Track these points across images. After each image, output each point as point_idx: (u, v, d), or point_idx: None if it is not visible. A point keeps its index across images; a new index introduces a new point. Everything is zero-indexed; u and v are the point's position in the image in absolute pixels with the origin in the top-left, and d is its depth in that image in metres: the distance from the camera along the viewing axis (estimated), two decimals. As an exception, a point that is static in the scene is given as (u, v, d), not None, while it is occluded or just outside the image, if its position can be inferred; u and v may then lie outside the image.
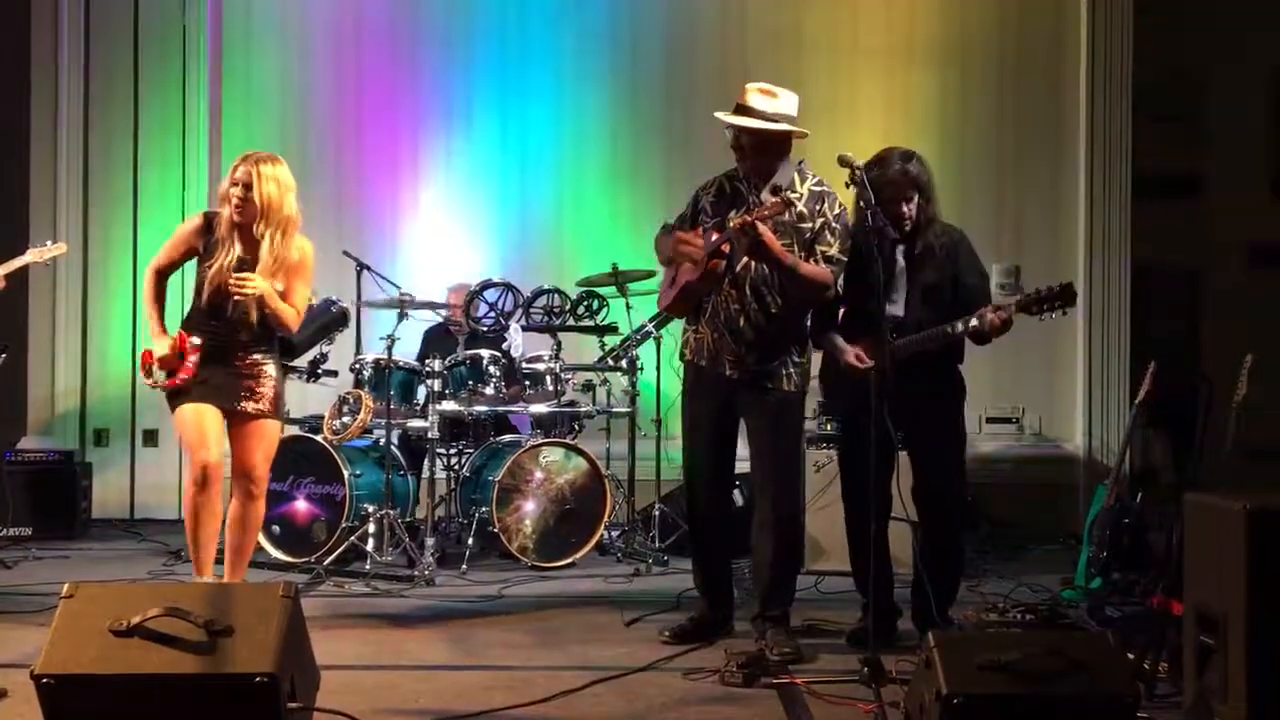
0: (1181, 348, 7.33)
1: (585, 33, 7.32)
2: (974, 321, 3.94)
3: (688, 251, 4.03)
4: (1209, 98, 7.45)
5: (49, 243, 5.33)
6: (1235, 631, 2.93)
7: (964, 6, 7.33)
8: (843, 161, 3.73)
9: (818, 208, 4.02)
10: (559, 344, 5.92)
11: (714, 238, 4.00)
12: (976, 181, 7.20)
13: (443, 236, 7.28)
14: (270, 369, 4.29)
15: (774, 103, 4.02)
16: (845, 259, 4.03)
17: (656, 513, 5.94)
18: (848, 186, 3.82)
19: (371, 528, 5.40)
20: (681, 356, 4.29)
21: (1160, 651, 3.51)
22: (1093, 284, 7.15)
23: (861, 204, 3.77)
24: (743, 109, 4.02)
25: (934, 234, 4.07)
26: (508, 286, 5.89)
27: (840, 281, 4.08)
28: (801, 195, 4.01)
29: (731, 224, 3.93)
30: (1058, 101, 7.31)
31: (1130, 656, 3.41)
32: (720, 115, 4.06)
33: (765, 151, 4.03)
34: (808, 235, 4.00)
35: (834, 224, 4.01)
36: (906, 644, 3.94)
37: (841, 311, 4.20)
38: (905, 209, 4.00)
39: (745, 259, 3.99)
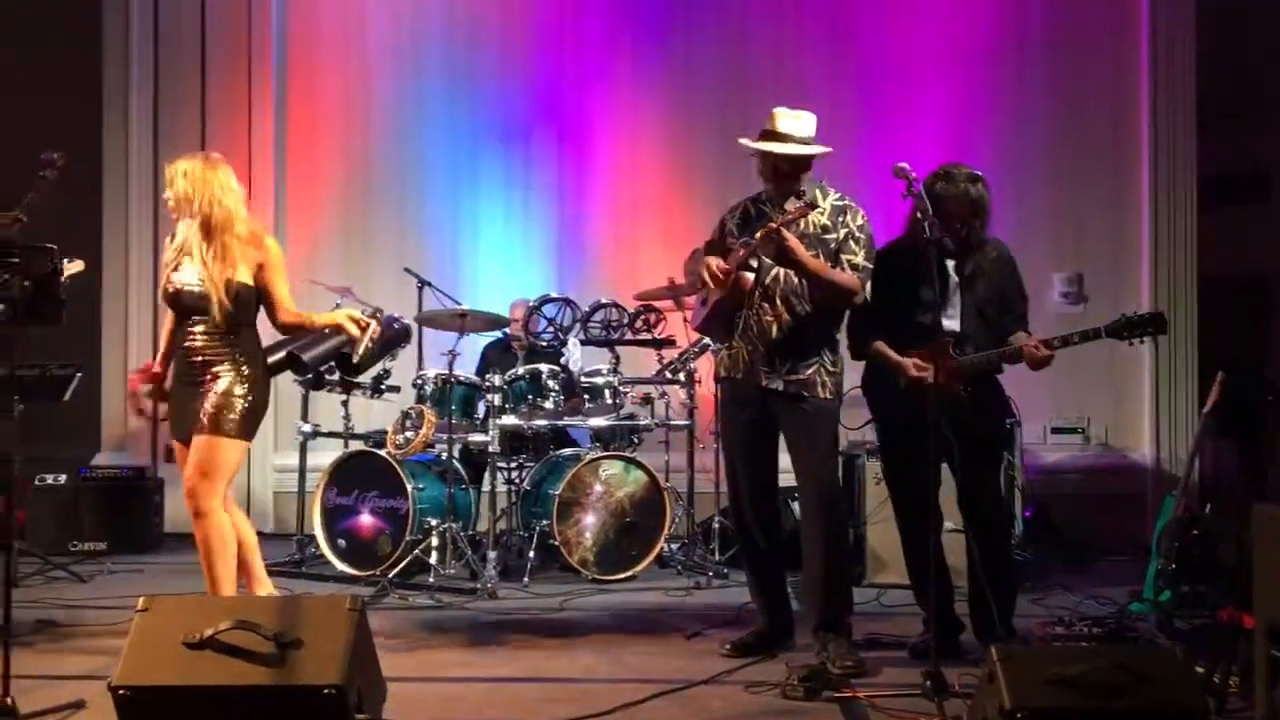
0: (1251, 356, 7.18)
1: (641, 49, 7.37)
2: (1005, 351, 4.01)
3: (707, 277, 4.07)
4: (1276, 98, 7.28)
5: (66, 260, 5.45)
6: (1308, 645, 2.87)
7: (1021, 8, 7.26)
8: (899, 173, 3.74)
9: (840, 219, 4.08)
10: (617, 358, 5.96)
11: (740, 254, 4.03)
12: (1036, 187, 7.12)
13: (502, 252, 7.36)
14: (222, 382, 3.99)
15: (802, 125, 4.09)
16: (871, 266, 4.09)
17: (716, 525, 5.95)
18: (904, 198, 3.83)
19: (434, 541, 5.47)
20: (717, 377, 4.31)
21: (1230, 665, 3.44)
22: (1158, 290, 7.03)
23: (919, 214, 3.76)
24: (775, 135, 4.06)
25: (984, 254, 4.10)
26: (566, 301, 5.94)
27: (868, 289, 4.09)
28: (824, 209, 4.07)
29: (757, 234, 3.96)
30: (1118, 102, 7.20)
31: (1200, 670, 3.35)
32: (764, 146, 4.07)
33: (799, 173, 4.09)
34: (832, 245, 4.06)
35: (857, 234, 4.07)
36: (970, 657, 3.90)
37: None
38: (960, 229, 4.01)
39: (774, 271, 4.03)
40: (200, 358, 4.05)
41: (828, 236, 4.06)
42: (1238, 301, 7.38)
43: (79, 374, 5.95)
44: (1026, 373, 4.21)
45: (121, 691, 2.85)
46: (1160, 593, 4.72)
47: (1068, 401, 7.09)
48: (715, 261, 4.12)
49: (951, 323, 4.05)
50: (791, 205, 4.02)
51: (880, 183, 4.26)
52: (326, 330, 5.28)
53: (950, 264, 4.06)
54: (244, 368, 4.03)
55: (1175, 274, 7.04)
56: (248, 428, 4.02)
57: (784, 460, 4.20)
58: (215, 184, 4.02)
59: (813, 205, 3.99)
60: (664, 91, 7.35)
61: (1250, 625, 3.28)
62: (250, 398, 4.01)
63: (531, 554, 5.61)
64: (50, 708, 3.34)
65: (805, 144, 4.06)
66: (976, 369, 4.03)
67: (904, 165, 3.75)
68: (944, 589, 4.12)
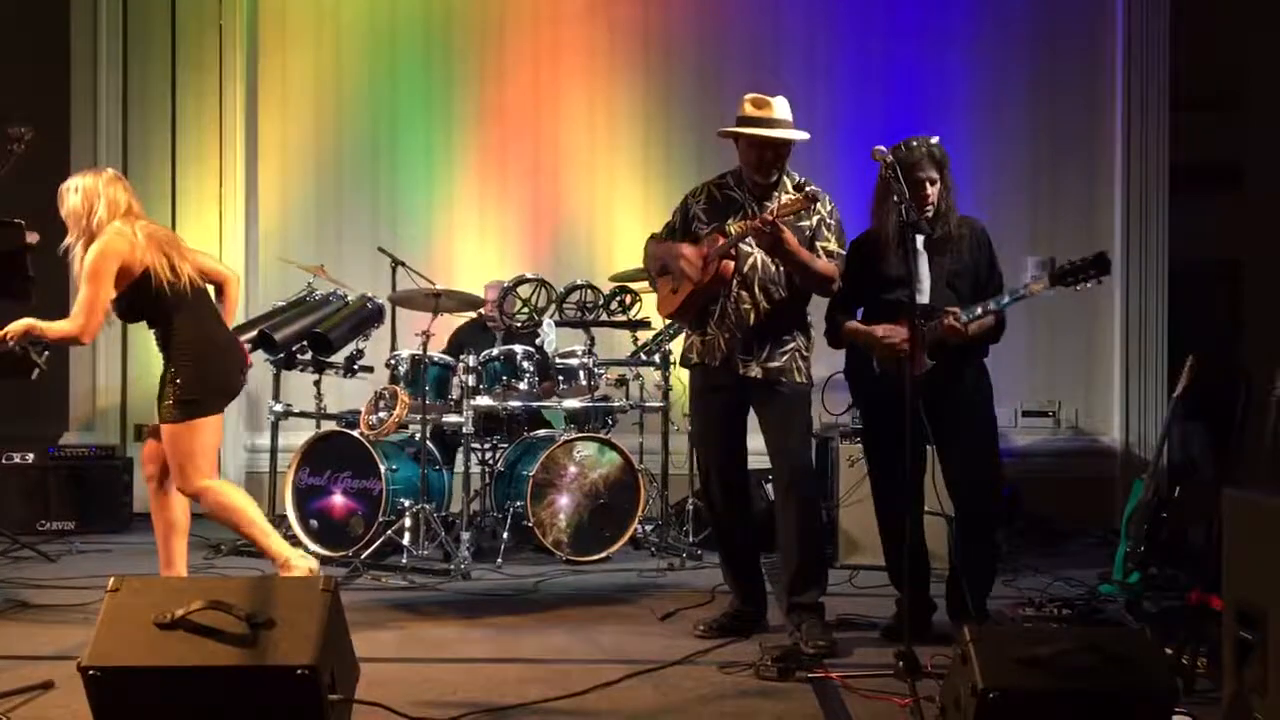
0: (1221, 341, 7.25)
1: (617, 29, 7.35)
2: (958, 321, 3.95)
3: (686, 269, 4.06)
4: (1249, 85, 7.33)
5: None
6: (1276, 627, 2.89)
7: (997, -6, 7.30)
8: (876, 157, 3.74)
9: (811, 206, 4.07)
10: (592, 339, 5.95)
11: (720, 243, 4.02)
12: (1009, 172, 7.16)
13: (477, 233, 7.33)
14: (167, 374, 4.21)
15: (787, 110, 4.08)
16: (844, 252, 4.11)
17: (690, 507, 5.96)
18: (880, 178, 3.82)
19: (408, 522, 5.45)
20: (686, 362, 4.30)
21: (1199, 647, 3.49)
22: (1130, 276, 7.09)
23: (895, 198, 3.76)
24: (769, 121, 4.03)
25: (953, 222, 4.08)
26: (541, 282, 5.92)
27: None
28: (795, 197, 4.07)
29: (749, 224, 3.96)
30: (1092, 88, 7.25)
31: (1168, 651, 3.39)
32: (767, 133, 4.02)
33: (786, 159, 4.10)
34: (807, 233, 4.07)
35: (829, 220, 4.11)
36: (942, 638, 3.93)
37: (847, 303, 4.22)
38: (929, 190, 4.00)
39: (752, 259, 4.04)
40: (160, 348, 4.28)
41: (801, 224, 4.07)
42: (1209, 286, 7.45)
43: (47, 352, 5.86)
44: (998, 356, 4.22)
45: (92, 672, 2.82)
46: (1129, 575, 4.77)
47: (1039, 385, 7.16)
48: (690, 250, 4.10)
49: (920, 296, 4.04)
50: (787, 198, 4.01)
51: (855, 166, 4.25)
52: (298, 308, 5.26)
53: (919, 240, 4.05)
54: (171, 353, 4.20)
55: (1147, 259, 7.10)
56: (188, 410, 4.16)
57: (757, 443, 4.21)
58: (103, 199, 4.14)
59: (814, 199, 3.97)
60: (640, 73, 7.33)
61: (1218, 607, 3.31)
62: (179, 380, 4.16)
63: (505, 535, 5.61)
64: (19, 688, 3.32)
65: (792, 128, 4.06)
66: (938, 339, 4.01)
67: (882, 148, 3.75)
68: (921, 571, 4.14)
